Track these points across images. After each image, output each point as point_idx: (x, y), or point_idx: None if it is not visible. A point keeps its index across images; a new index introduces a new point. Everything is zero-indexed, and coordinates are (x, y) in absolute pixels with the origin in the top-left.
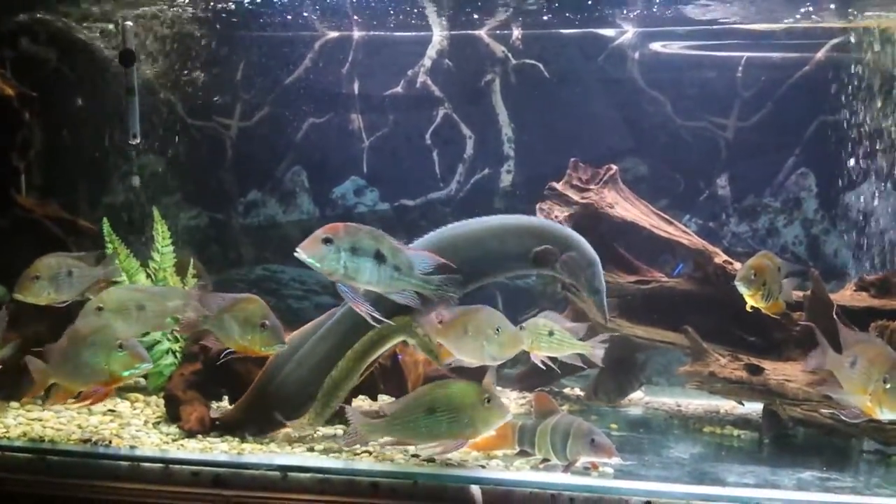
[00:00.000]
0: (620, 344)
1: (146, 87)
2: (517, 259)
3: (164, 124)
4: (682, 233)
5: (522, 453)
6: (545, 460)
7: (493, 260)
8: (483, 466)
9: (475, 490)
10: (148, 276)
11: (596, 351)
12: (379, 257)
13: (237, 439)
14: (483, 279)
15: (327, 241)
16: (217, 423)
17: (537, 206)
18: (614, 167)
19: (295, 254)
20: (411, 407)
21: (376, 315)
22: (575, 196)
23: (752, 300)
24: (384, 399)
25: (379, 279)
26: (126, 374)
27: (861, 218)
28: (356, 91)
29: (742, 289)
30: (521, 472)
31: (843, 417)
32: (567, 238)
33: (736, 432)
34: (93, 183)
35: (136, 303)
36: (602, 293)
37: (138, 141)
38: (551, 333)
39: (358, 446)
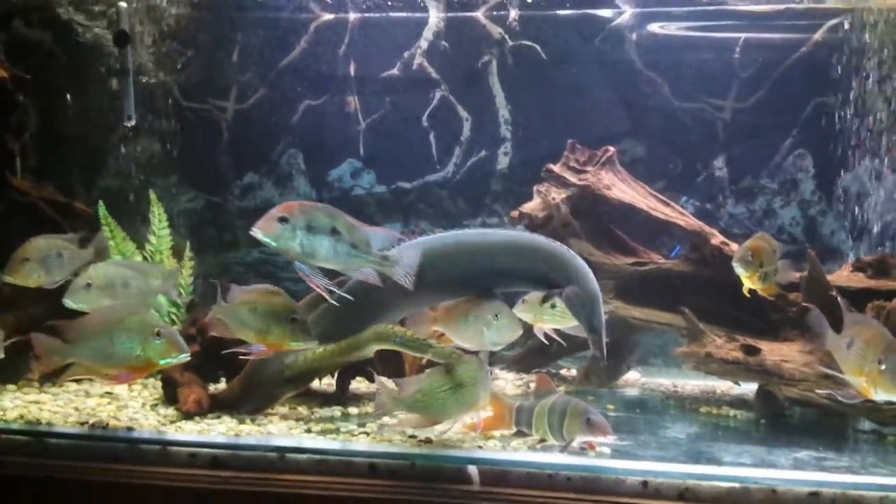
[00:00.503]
0: (612, 327)
1: (141, 69)
2: (523, 279)
3: (159, 107)
4: (679, 214)
5: (519, 433)
6: (542, 440)
7: (501, 275)
8: (480, 447)
9: (472, 470)
10: (144, 258)
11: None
12: (335, 234)
13: (235, 421)
14: (485, 290)
15: (283, 219)
16: (213, 399)
17: (535, 188)
18: (612, 149)
19: (251, 233)
20: (436, 382)
21: (337, 292)
22: (572, 178)
23: (748, 282)
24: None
25: (336, 256)
26: (163, 362)
27: (858, 199)
28: (352, 73)
29: (739, 270)
30: (519, 453)
31: (839, 398)
32: (576, 269)
33: (732, 413)
34: (88, 166)
35: (122, 280)
36: (600, 332)
37: (133, 123)
38: (553, 306)
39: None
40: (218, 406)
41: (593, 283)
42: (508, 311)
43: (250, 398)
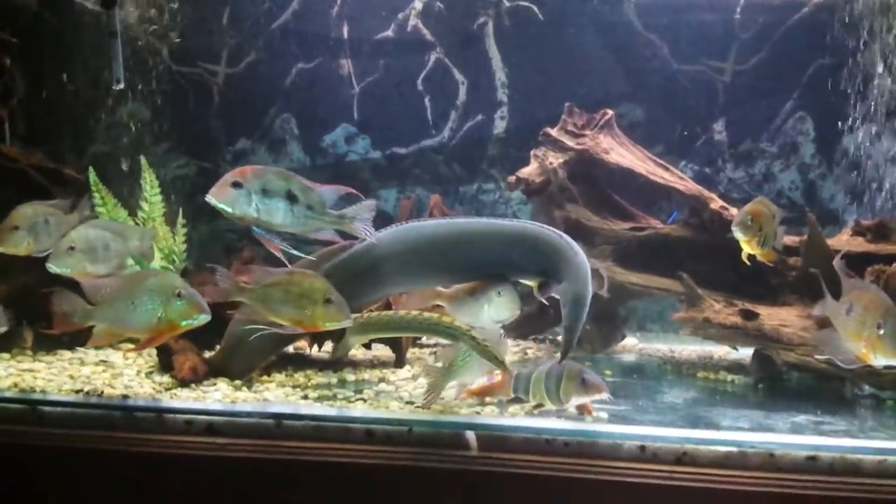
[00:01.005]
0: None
1: (129, 32)
2: (519, 269)
3: (149, 71)
4: (678, 179)
5: (516, 400)
6: (538, 405)
7: (499, 264)
8: (478, 412)
9: (470, 436)
10: (137, 225)
11: (597, 267)
12: (291, 197)
13: (231, 388)
14: (480, 276)
15: (237, 184)
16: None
17: (532, 152)
18: (610, 112)
19: (206, 199)
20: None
21: (293, 253)
22: (570, 142)
23: (748, 247)
24: (377, 347)
25: (293, 220)
26: (184, 323)
27: (858, 162)
28: (346, 35)
29: (739, 235)
30: (517, 418)
31: (839, 363)
32: (575, 267)
33: (730, 377)
34: (79, 132)
35: (103, 243)
36: (573, 332)
37: (122, 86)
38: None
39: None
40: (209, 372)
41: (584, 284)
42: (510, 288)
43: (234, 362)
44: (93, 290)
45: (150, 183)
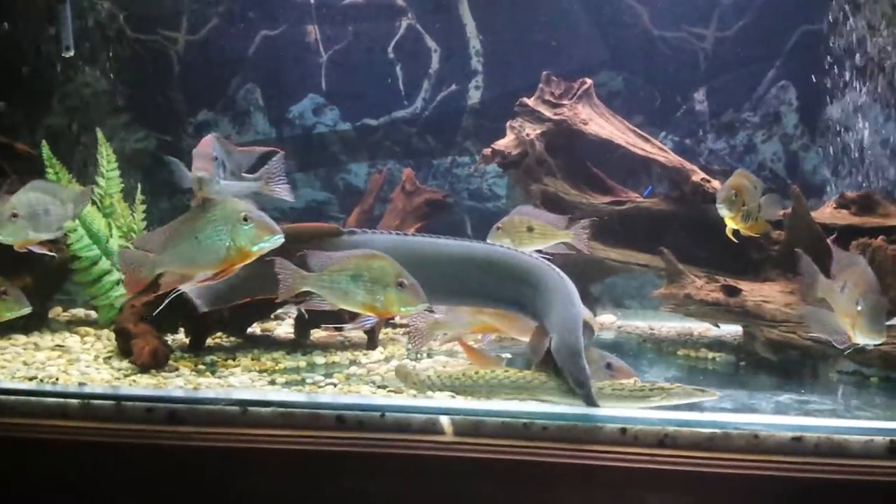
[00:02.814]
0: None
1: None
2: (504, 301)
3: (105, 38)
4: (658, 150)
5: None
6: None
7: (484, 290)
8: (452, 397)
9: (444, 420)
10: (93, 202)
11: (579, 236)
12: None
13: (193, 374)
14: (466, 301)
15: None
16: None
17: (508, 123)
18: (588, 81)
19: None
20: None
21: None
22: (547, 112)
23: (732, 223)
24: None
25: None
26: (255, 248)
27: (842, 132)
28: (312, 1)
29: (724, 212)
30: (492, 402)
31: (834, 344)
32: (567, 314)
33: (711, 355)
34: (31, 104)
35: (43, 207)
36: (588, 385)
37: (72, 53)
38: (531, 229)
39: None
40: None
41: (576, 336)
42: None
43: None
44: (145, 241)
45: (106, 157)
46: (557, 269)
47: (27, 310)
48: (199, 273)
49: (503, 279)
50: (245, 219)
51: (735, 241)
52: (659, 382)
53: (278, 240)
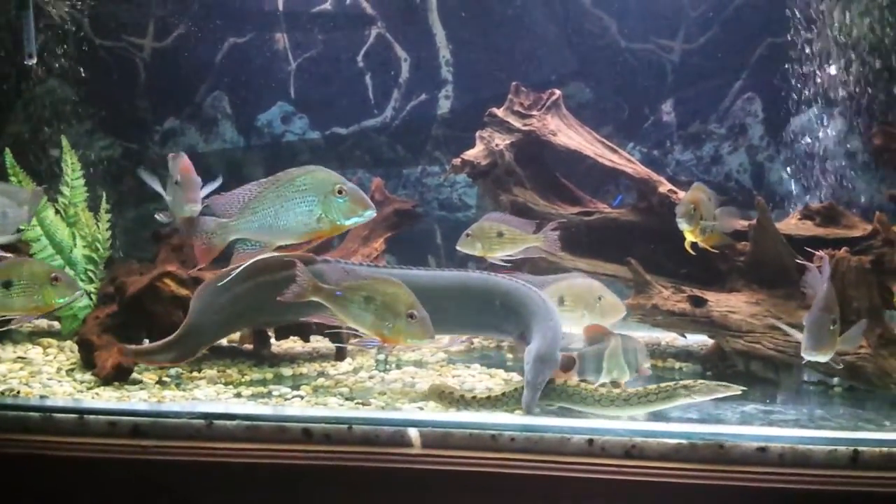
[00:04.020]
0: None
1: (46, 2)
2: (486, 326)
3: (70, 45)
4: (626, 161)
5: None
6: (612, 382)
7: (471, 315)
8: (421, 409)
9: (413, 433)
10: (57, 211)
11: (549, 240)
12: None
13: (157, 386)
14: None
15: None
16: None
17: (477, 133)
18: (557, 92)
19: None
20: None
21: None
22: (517, 123)
23: (691, 235)
24: (316, 339)
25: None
26: (348, 222)
27: (807, 144)
28: (280, 8)
29: (684, 226)
30: (460, 414)
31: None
32: (545, 328)
33: (678, 365)
34: None
35: (1, 210)
36: (535, 390)
37: (34, 62)
38: (500, 234)
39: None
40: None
41: (552, 346)
42: (608, 291)
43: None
44: (223, 206)
45: (71, 165)
46: (532, 287)
47: (80, 293)
48: (276, 242)
49: (481, 306)
50: (340, 191)
51: (693, 253)
52: (682, 381)
53: (371, 214)
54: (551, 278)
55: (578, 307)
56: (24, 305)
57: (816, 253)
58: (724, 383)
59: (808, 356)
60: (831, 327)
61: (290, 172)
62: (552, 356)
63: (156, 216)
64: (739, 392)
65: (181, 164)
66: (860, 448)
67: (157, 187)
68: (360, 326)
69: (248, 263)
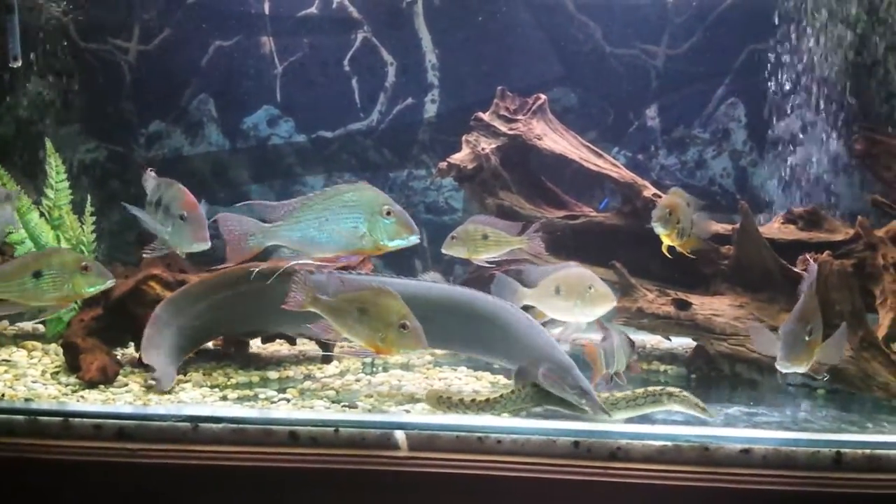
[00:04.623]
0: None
1: (30, 4)
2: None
3: (55, 48)
4: (611, 166)
5: None
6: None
7: (466, 335)
8: (407, 411)
9: (399, 435)
10: (42, 214)
11: (533, 242)
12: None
13: (143, 389)
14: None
15: None
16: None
17: (463, 137)
18: (543, 97)
19: None
20: None
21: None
22: (502, 127)
23: (668, 240)
24: (303, 342)
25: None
26: (392, 244)
27: (790, 149)
28: (267, 11)
29: (660, 230)
30: (447, 416)
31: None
32: (541, 346)
33: (663, 367)
34: None
35: None
36: (592, 392)
37: (20, 64)
38: (485, 237)
39: None
40: None
41: (564, 355)
42: (598, 280)
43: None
44: (269, 210)
45: (55, 168)
46: (512, 305)
47: (111, 282)
48: (314, 254)
49: (463, 322)
50: (388, 212)
51: (670, 256)
52: (667, 388)
53: (415, 240)
54: (551, 268)
55: (572, 297)
56: (56, 295)
57: (800, 257)
58: (703, 405)
59: (781, 367)
60: (806, 338)
61: (339, 187)
62: (569, 361)
63: (144, 253)
64: (713, 417)
65: (185, 200)
66: (843, 450)
67: (148, 221)
68: (355, 337)
69: (225, 270)
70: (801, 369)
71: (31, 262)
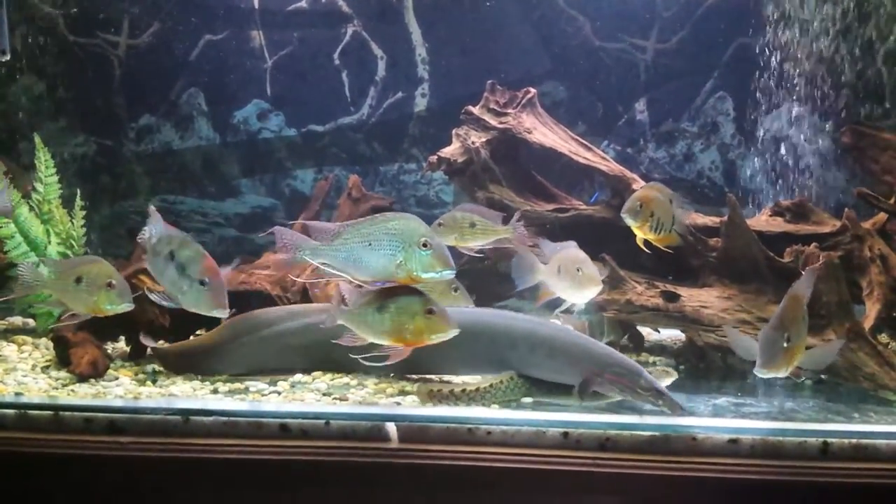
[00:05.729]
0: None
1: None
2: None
3: (44, 41)
4: (600, 159)
5: None
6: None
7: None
8: (398, 403)
9: (390, 427)
10: (31, 208)
11: (518, 231)
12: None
13: (134, 383)
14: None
15: None
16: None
17: (453, 131)
18: (532, 90)
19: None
20: None
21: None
22: (492, 121)
23: (640, 232)
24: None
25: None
26: (426, 276)
27: (777, 142)
28: (256, 5)
29: (629, 221)
30: (437, 408)
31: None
32: (601, 355)
33: (652, 359)
34: None
35: None
36: (667, 392)
37: (8, 57)
38: (473, 224)
39: None
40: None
41: (626, 359)
42: (589, 262)
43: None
44: (318, 230)
45: (44, 162)
46: (538, 318)
47: (127, 306)
48: (355, 276)
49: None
50: (425, 244)
51: (647, 251)
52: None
53: (450, 275)
54: (559, 245)
55: (566, 277)
56: (85, 304)
57: (788, 249)
58: (678, 404)
59: (759, 373)
60: (785, 345)
61: (387, 215)
62: (636, 365)
63: (157, 300)
64: (680, 414)
65: (206, 265)
66: (829, 440)
67: (164, 281)
68: (380, 338)
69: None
70: (780, 375)
71: (77, 266)
